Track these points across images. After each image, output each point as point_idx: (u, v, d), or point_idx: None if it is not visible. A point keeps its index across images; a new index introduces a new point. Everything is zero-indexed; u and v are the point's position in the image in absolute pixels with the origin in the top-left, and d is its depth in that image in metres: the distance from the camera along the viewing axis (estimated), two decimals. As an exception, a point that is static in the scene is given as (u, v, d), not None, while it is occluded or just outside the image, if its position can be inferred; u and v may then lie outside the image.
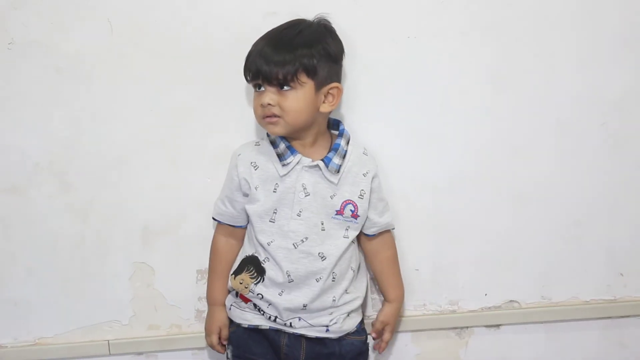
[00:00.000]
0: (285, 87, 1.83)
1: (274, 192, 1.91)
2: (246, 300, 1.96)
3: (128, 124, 2.02)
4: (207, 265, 2.03)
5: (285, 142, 1.91)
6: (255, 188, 1.91)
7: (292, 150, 1.91)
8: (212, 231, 2.03)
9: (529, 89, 2.08)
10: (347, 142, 1.95)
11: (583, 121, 2.12)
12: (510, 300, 2.19)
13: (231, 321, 2.01)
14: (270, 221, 1.92)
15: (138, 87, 2.00)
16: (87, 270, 2.08)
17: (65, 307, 2.09)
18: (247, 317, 1.97)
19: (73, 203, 2.04)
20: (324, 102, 1.89)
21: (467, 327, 2.21)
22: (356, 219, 1.95)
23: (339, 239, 1.94)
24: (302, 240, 1.91)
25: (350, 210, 1.93)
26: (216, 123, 2.03)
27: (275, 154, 1.91)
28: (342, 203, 1.93)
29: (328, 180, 1.91)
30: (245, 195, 1.94)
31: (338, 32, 1.95)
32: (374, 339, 2.08)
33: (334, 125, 1.98)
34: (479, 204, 2.13)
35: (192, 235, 2.07)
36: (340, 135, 1.95)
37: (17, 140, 2.00)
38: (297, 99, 1.84)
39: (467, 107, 2.08)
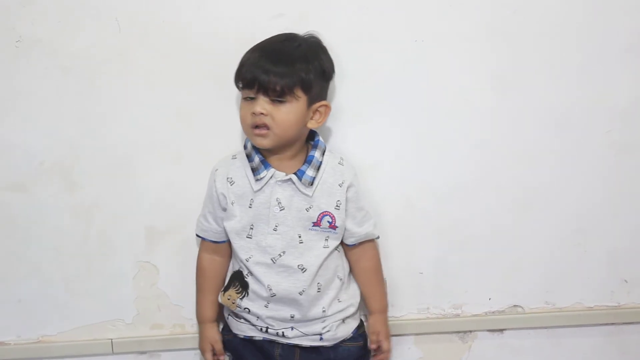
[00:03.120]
0: (280, 100, 1.83)
1: (250, 207, 1.91)
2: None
3: (133, 124, 2.02)
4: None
5: (259, 155, 1.91)
6: (232, 203, 1.91)
7: (265, 164, 1.90)
8: (217, 230, 2.02)
9: (533, 95, 2.08)
10: (322, 153, 1.94)
11: (587, 128, 2.11)
12: (514, 305, 2.19)
13: (229, 330, 2.01)
14: (247, 237, 1.92)
15: (144, 87, 2.01)
16: (91, 269, 2.08)
17: (69, 306, 2.09)
18: (242, 328, 1.97)
19: (78, 202, 2.05)
20: (311, 118, 1.89)
21: (471, 332, 2.20)
22: (335, 229, 1.93)
23: (318, 250, 1.93)
24: (280, 255, 1.90)
25: (328, 221, 1.92)
26: (221, 123, 2.03)
27: (250, 168, 1.91)
28: (319, 215, 1.92)
29: (302, 193, 1.90)
30: (224, 209, 1.94)
31: (344, 36, 1.96)
32: (374, 352, 2.05)
33: (310, 137, 1.97)
34: (482, 208, 2.13)
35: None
36: (315, 146, 1.94)
37: (23, 139, 2.00)
38: (289, 112, 1.84)
39: (472, 112, 2.08)
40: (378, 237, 2.04)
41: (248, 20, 1.98)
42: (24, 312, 2.09)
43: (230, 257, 2.00)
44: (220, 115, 2.03)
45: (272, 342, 1.95)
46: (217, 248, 1.99)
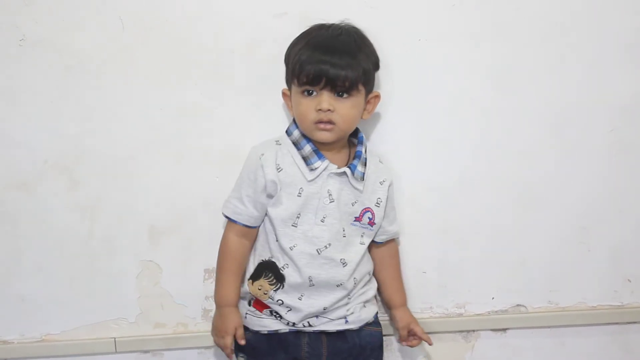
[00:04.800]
0: (345, 95, 1.83)
1: (299, 196, 1.89)
2: (260, 308, 1.95)
3: (137, 122, 2.02)
4: (214, 264, 2.01)
5: (311, 145, 1.90)
6: (280, 190, 1.89)
7: (319, 154, 1.89)
8: (221, 230, 2.00)
9: (537, 93, 2.08)
10: (365, 150, 1.95)
11: (589, 126, 2.12)
12: (517, 305, 2.19)
13: (245, 328, 1.97)
14: (292, 225, 1.90)
15: (147, 86, 2.00)
16: (94, 268, 2.08)
17: (72, 304, 2.09)
18: (265, 324, 1.95)
19: (81, 201, 2.04)
20: (364, 109, 1.91)
21: (474, 331, 2.21)
22: (372, 226, 1.96)
23: (357, 245, 1.95)
24: (326, 247, 1.90)
25: (369, 217, 1.94)
26: (224, 122, 2.03)
27: (300, 157, 1.90)
28: (362, 210, 1.93)
29: (354, 187, 1.91)
30: (270, 196, 1.91)
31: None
32: (402, 342, 2.08)
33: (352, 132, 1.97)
34: (486, 207, 2.14)
35: (200, 234, 2.07)
36: (360, 142, 1.95)
37: (26, 138, 2.00)
38: (353, 107, 1.85)
39: (475, 111, 2.08)
40: (399, 237, 2.09)
41: (251, 19, 1.98)
42: (27, 310, 2.08)
43: (255, 241, 1.98)
44: (223, 114, 2.03)
45: (298, 333, 1.94)
46: (247, 232, 1.95)
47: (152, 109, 2.02)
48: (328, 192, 1.89)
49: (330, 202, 1.90)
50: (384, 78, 2.02)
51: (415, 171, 2.10)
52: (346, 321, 1.96)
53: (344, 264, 1.91)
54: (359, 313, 1.97)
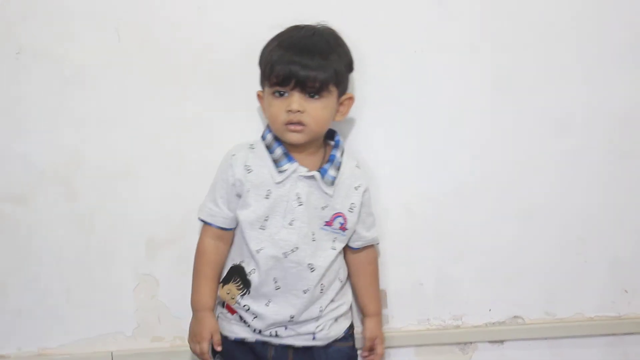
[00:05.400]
0: (315, 96, 1.83)
1: (266, 198, 1.89)
2: (232, 311, 1.95)
3: (134, 134, 2.02)
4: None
5: (282, 147, 1.89)
6: (247, 192, 1.90)
7: (289, 157, 1.89)
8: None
9: (533, 103, 2.09)
10: (342, 154, 1.94)
11: (587, 136, 2.13)
12: (515, 316, 2.19)
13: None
14: (260, 228, 1.89)
15: (144, 97, 2.01)
16: (91, 281, 2.07)
17: (69, 318, 2.07)
18: (234, 330, 1.95)
19: (78, 213, 2.04)
20: (337, 111, 1.90)
21: (471, 343, 2.20)
22: (344, 231, 1.94)
23: (327, 250, 1.92)
24: (293, 250, 1.89)
25: (340, 222, 1.92)
26: (221, 133, 2.02)
27: (270, 159, 1.90)
28: (333, 215, 1.92)
29: (323, 191, 1.90)
30: (239, 196, 1.91)
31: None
32: (364, 357, 2.06)
33: (328, 135, 1.97)
34: (483, 218, 2.14)
35: (197, 247, 2.07)
36: (336, 146, 1.94)
37: (23, 149, 2.00)
38: (324, 108, 1.84)
39: (473, 121, 2.09)
40: (378, 243, 2.05)
41: (247, 30, 1.98)
42: (24, 324, 2.07)
43: (231, 245, 1.98)
44: (220, 125, 2.03)
45: (265, 344, 1.93)
46: (223, 235, 1.96)
47: (149, 121, 2.02)
48: (297, 195, 1.89)
49: (299, 205, 1.89)
50: (380, 89, 2.04)
51: (412, 181, 2.10)
52: (314, 337, 1.94)
53: (311, 269, 1.90)
54: (327, 330, 1.95)
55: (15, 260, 2.05)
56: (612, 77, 2.10)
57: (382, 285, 2.11)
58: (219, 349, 1.94)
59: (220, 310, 1.98)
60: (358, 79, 2.01)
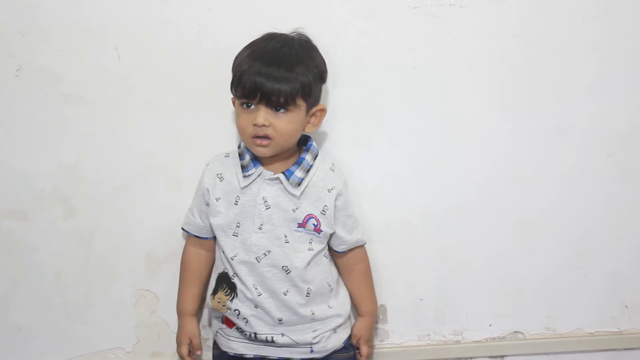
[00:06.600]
0: (281, 110, 1.82)
1: (235, 204, 1.90)
2: (230, 324, 1.94)
3: (133, 150, 2.03)
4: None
5: (250, 154, 1.90)
6: (217, 199, 1.91)
7: (255, 162, 1.90)
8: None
9: (534, 119, 2.08)
10: (314, 158, 1.93)
11: (588, 152, 2.12)
12: (515, 331, 2.19)
13: (216, 345, 2.00)
14: (233, 235, 1.90)
15: (143, 114, 2.01)
16: (91, 297, 2.08)
17: (69, 333, 2.08)
18: (233, 346, 1.95)
19: (77, 229, 2.05)
20: (308, 122, 1.90)
21: (472, 358, 2.20)
22: (319, 233, 1.93)
23: (303, 252, 1.92)
24: (265, 254, 1.89)
25: (313, 224, 1.91)
26: (220, 149, 2.02)
27: (240, 166, 1.91)
28: (305, 217, 1.91)
29: (289, 193, 1.89)
30: (207, 205, 1.93)
31: (342, 61, 1.98)
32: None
33: (303, 141, 1.97)
34: (483, 234, 2.13)
35: (197, 262, 2.07)
36: (307, 150, 1.94)
37: (23, 166, 2.01)
38: (290, 122, 1.83)
39: (473, 137, 2.08)
40: (365, 243, 2.04)
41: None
42: (24, 340, 2.08)
43: (215, 251, 1.99)
44: (220, 141, 2.03)
45: (263, 359, 1.94)
46: (201, 243, 1.99)
47: (148, 137, 2.02)
48: (263, 198, 1.89)
49: (267, 208, 1.89)
50: (379, 105, 2.03)
51: (413, 197, 2.10)
52: (311, 350, 1.94)
53: (287, 270, 1.89)
54: (325, 342, 1.95)
55: (15, 276, 2.06)
56: (614, 92, 2.09)
57: (382, 300, 2.12)
58: (198, 352, 2.02)
59: (219, 326, 1.98)
60: (357, 96, 2.02)
